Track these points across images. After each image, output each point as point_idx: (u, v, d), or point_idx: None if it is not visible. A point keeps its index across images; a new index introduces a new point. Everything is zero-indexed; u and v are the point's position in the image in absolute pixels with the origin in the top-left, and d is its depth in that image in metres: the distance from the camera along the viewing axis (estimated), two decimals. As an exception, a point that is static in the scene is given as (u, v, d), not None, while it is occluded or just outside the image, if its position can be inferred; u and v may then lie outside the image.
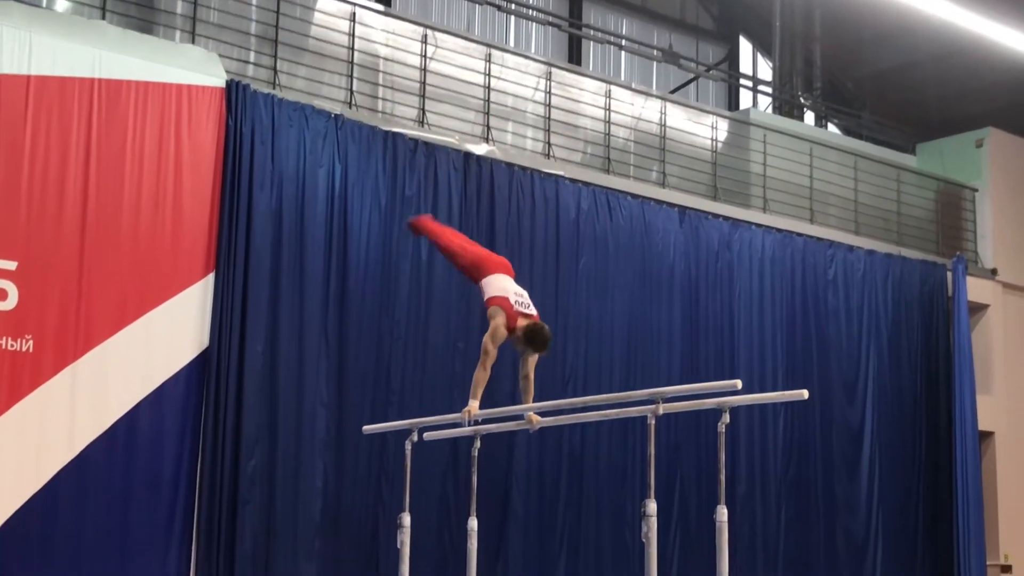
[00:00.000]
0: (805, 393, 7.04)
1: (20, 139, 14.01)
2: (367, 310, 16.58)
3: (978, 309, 23.96)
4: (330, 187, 16.39)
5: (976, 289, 23.71)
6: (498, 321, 7.73)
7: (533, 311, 7.81)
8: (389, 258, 16.86)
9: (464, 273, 8.29)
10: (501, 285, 7.83)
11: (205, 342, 15.13)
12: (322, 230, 16.25)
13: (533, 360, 7.94)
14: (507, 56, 19.70)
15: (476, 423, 8.04)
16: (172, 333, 14.88)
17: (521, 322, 7.69)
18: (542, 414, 8.35)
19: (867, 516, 21.50)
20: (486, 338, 7.71)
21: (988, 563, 22.49)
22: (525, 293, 7.92)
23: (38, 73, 14.16)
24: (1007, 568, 23.43)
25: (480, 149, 18.09)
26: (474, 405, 7.68)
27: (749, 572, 19.21)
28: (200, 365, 15.08)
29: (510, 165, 18.22)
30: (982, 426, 22.95)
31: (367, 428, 10.10)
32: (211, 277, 15.28)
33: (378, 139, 16.94)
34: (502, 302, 7.74)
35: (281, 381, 15.63)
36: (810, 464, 20.98)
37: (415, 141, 17.32)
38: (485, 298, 7.88)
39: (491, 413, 8.00)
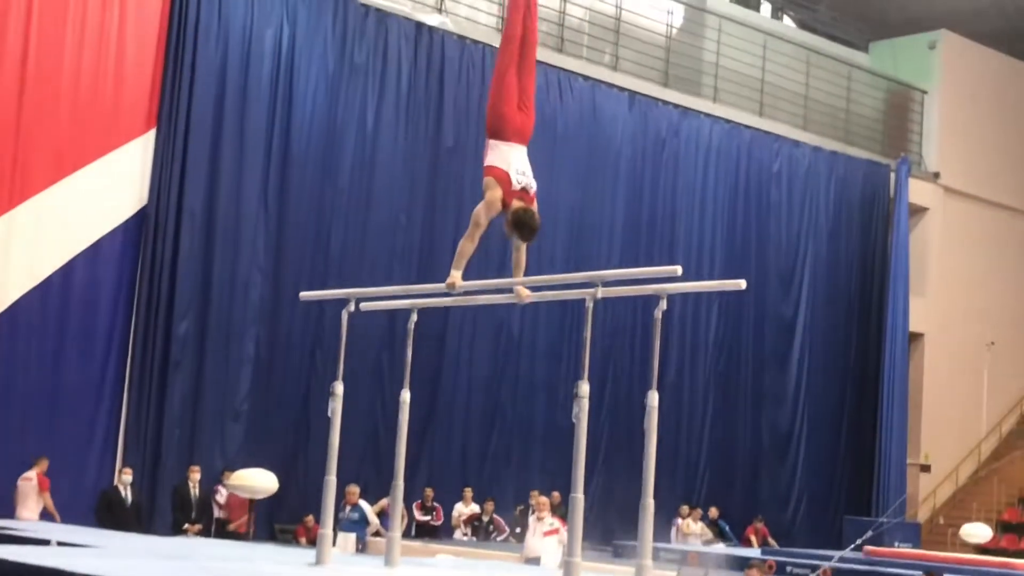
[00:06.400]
0: (743, 283, 6.97)
1: (-41, -20, 13.62)
2: (309, 177, 16.43)
3: (918, 211, 24.15)
4: (277, 48, 16.11)
5: (918, 191, 23.88)
6: (494, 194, 7.32)
7: (532, 190, 7.50)
8: (334, 125, 16.67)
9: (487, 108, 7.85)
10: (506, 156, 7.48)
11: (144, 200, 14.96)
12: (266, 92, 16.02)
13: (522, 244, 7.62)
14: (464, -75, 19.30)
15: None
16: (111, 188, 14.69)
17: (515, 203, 7.38)
18: (476, 292, 8.23)
19: (793, 409, 21.86)
20: (479, 208, 7.31)
21: (908, 461, 22.96)
22: (529, 171, 7.60)
23: (-20, -88, 13.72)
24: (926, 468, 23.95)
25: (433, 20, 17.80)
26: (457, 276, 7.35)
27: (673, 457, 19.50)
28: (138, 223, 14.93)
29: (462, 38, 17.98)
30: (913, 327, 23.28)
31: (304, 295, 9.99)
32: (152, 133, 15.06)
33: (328, 2, 16.62)
34: (500, 175, 7.40)
35: (218, 244, 15.52)
36: (741, 355, 21.24)
37: (366, 7, 17.02)
38: (485, 162, 7.54)
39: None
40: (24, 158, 13.99)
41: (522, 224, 7.38)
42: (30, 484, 13.62)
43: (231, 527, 14.67)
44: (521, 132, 7.71)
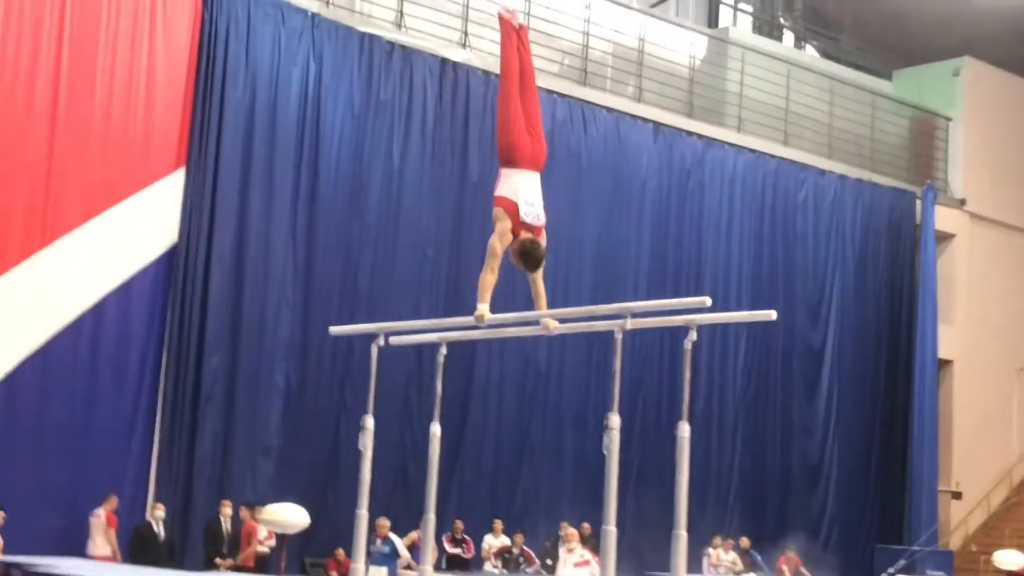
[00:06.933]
0: (774, 314, 7.01)
1: (-9, 23, 13.78)
2: (336, 213, 16.55)
3: (945, 238, 24.10)
4: (304, 87, 16.26)
5: (944, 218, 23.84)
6: (504, 225, 7.42)
7: (541, 222, 7.56)
8: (361, 161, 16.79)
9: (496, 139, 7.88)
10: (515, 186, 7.54)
11: (174, 238, 15.08)
12: (294, 130, 16.16)
13: (536, 276, 7.69)
14: (488, -39, 19.44)
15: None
16: (141, 227, 14.81)
17: (523, 234, 7.47)
18: (504, 324, 8.27)
19: (823, 437, 21.76)
20: (492, 240, 7.41)
21: (939, 489, 22.83)
22: (539, 201, 7.66)
23: (11, -45, 13.90)
24: (957, 495, 23.78)
25: (457, 55, 17.94)
26: (484, 308, 7.40)
27: (703, 487, 19.44)
28: (168, 261, 15.05)
29: (486, 72, 18.07)
30: (942, 354, 23.19)
31: (334, 330, 10.08)
32: (181, 172, 15.20)
33: (354, 40, 16.78)
34: (509, 206, 7.46)
35: (247, 280, 15.63)
36: (769, 385, 21.19)
37: (391, 44, 17.16)
38: (495, 192, 7.62)
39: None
40: (55, 197, 14.13)
41: (527, 254, 7.51)
42: (99, 521, 13.73)
43: (237, 560, 14.56)
44: (533, 158, 7.76)
